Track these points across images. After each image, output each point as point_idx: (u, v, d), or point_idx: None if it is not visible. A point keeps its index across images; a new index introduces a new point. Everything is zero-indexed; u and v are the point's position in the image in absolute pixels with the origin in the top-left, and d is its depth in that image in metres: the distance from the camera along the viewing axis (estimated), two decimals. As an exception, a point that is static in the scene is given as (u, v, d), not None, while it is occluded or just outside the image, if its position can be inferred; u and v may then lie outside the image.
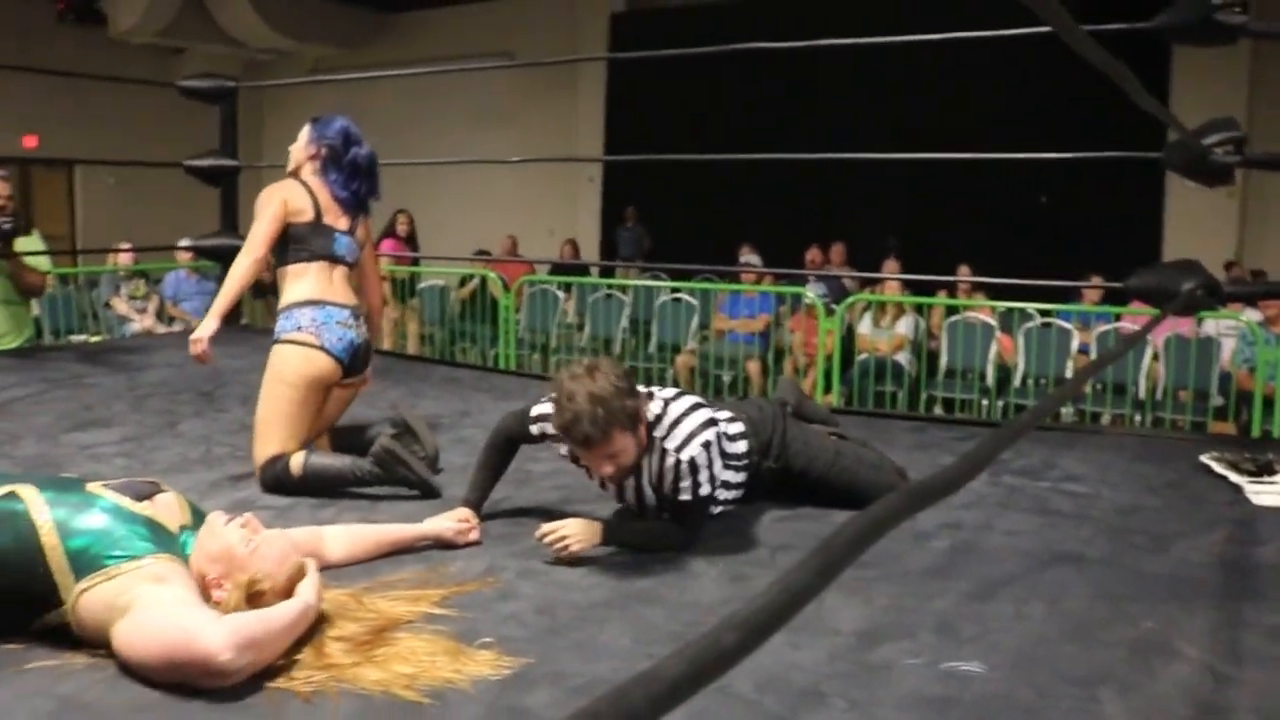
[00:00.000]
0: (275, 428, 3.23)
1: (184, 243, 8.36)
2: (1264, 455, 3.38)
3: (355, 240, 3.48)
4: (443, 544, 2.67)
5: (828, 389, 6.80)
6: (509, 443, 2.91)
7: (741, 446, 2.92)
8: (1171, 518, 3.00)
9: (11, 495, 2.05)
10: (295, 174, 3.46)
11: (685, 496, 2.66)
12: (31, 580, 1.98)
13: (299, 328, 3.28)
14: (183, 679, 1.85)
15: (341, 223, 3.44)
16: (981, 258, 8.76)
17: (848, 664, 2.05)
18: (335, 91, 15.36)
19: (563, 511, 2.85)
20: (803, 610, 0.89)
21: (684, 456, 2.63)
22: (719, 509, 2.90)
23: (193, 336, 3.30)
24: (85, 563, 1.98)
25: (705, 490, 2.68)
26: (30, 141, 14.88)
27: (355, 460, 3.19)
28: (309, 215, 3.38)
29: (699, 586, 2.47)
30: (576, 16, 13.85)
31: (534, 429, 2.82)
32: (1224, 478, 3.32)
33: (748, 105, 11.75)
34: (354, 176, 3.46)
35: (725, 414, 2.95)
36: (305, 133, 3.48)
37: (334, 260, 3.40)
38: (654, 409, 2.67)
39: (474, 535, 2.71)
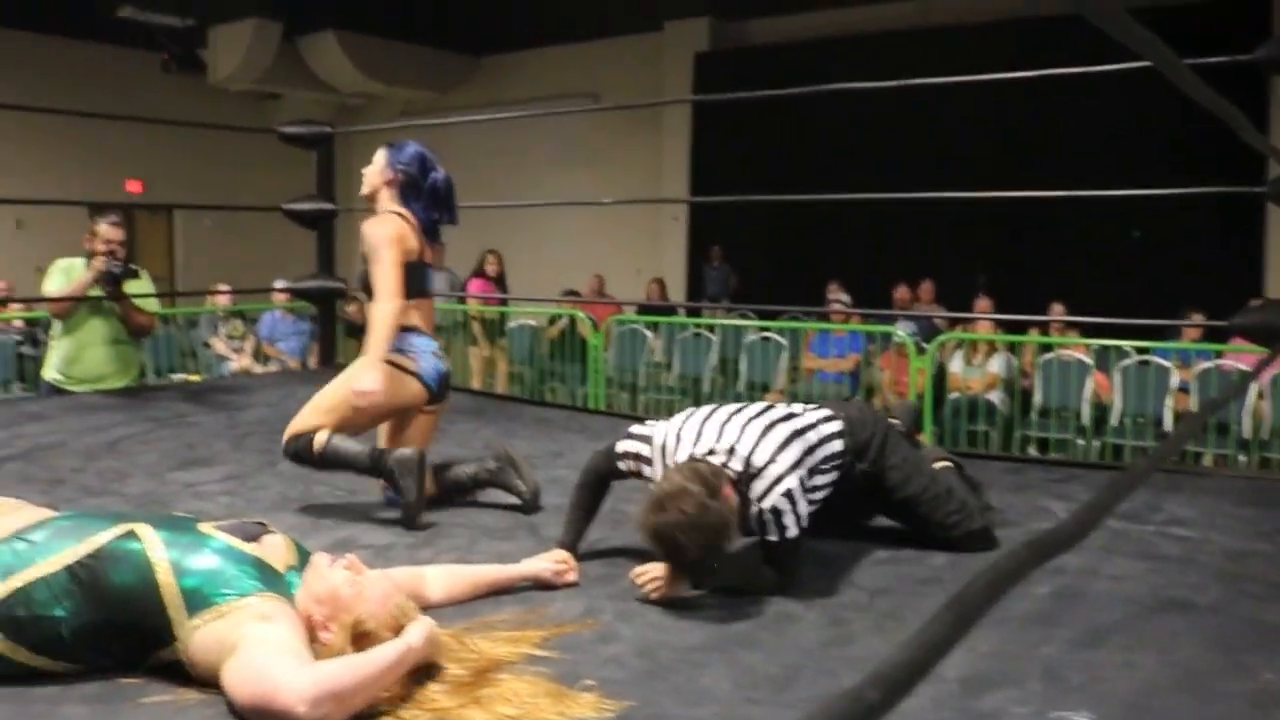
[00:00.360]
0: (326, 415, 3.33)
1: (280, 284, 8.57)
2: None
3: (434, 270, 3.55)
4: (541, 585, 2.68)
5: (919, 428, 6.71)
6: (600, 481, 2.93)
7: (836, 446, 2.90)
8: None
9: (130, 534, 2.11)
10: (372, 199, 3.51)
11: (773, 537, 2.65)
12: (148, 617, 2.04)
13: (400, 350, 3.36)
14: None
15: (432, 256, 3.52)
16: (1073, 294, 8.63)
17: (954, 712, 2.02)
18: (424, 134, 15.67)
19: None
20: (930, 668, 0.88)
21: (766, 505, 2.63)
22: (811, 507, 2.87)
23: (360, 389, 3.25)
24: (198, 601, 2.03)
25: (793, 533, 2.66)
26: (134, 187, 15.40)
27: (375, 448, 3.29)
28: (417, 254, 3.45)
29: (797, 630, 2.45)
30: (661, 56, 13.98)
31: (622, 465, 2.85)
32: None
33: (833, 142, 11.73)
34: (434, 204, 3.51)
35: (822, 413, 2.95)
36: (380, 157, 3.53)
37: (425, 295, 3.50)
38: (735, 467, 2.65)
39: (571, 576, 2.72)
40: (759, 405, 2.90)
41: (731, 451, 2.67)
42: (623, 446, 2.84)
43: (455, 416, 5.05)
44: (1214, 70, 3.39)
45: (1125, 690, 2.13)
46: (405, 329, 3.41)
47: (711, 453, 2.67)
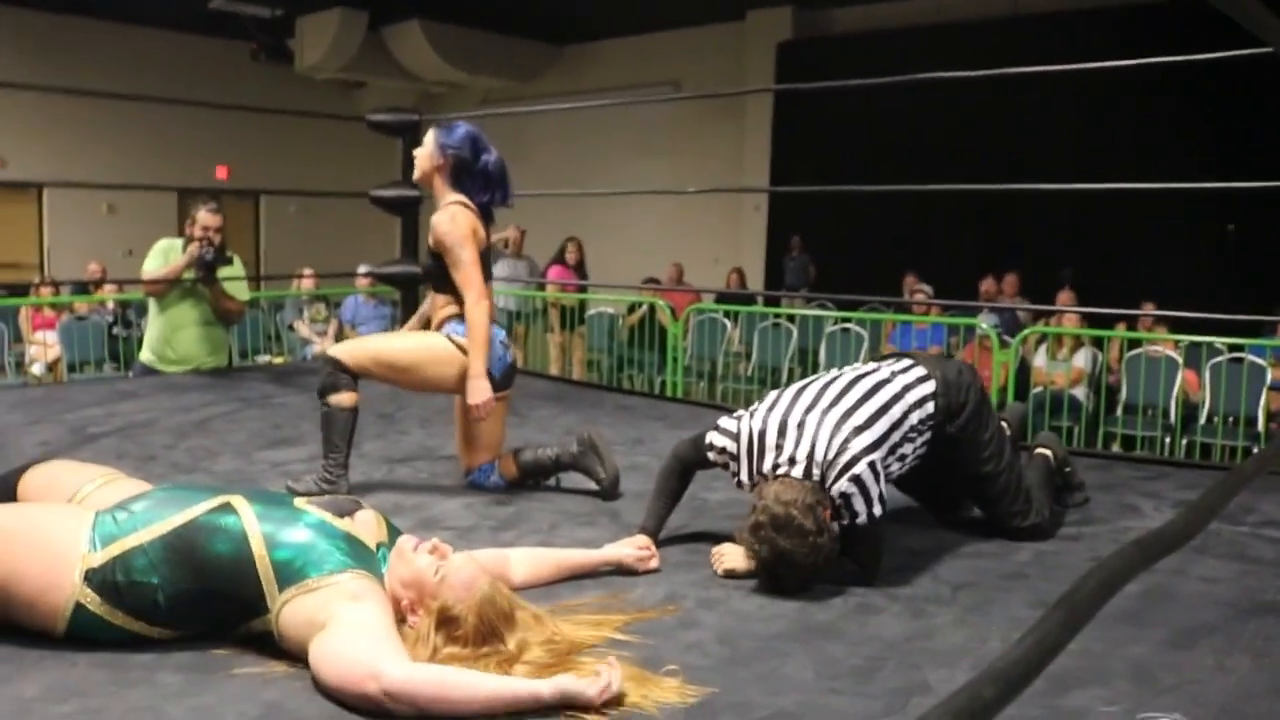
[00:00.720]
0: (374, 358, 3.35)
1: (363, 269, 8.69)
2: None
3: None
4: (622, 570, 2.70)
5: (1024, 432, 6.62)
6: (685, 469, 2.94)
7: (928, 409, 2.89)
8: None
9: (227, 506, 2.16)
10: (426, 183, 3.51)
11: (846, 521, 2.64)
12: (241, 587, 2.08)
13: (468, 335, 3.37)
14: (357, 705, 1.90)
15: (487, 236, 3.51)
16: (1162, 288, 8.43)
17: (1040, 710, 1.99)
18: (505, 123, 15.78)
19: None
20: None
21: (835, 492, 2.63)
22: (895, 474, 2.90)
23: (475, 403, 3.31)
24: (289, 574, 2.07)
25: (863, 519, 2.64)
26: (222, 173, 15.72)
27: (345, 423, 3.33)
28: (486, 242, 3.47)
29: (879, 622, 2.43)
30: (743, 45, 13.90)
31: (711, 455, 2.85)
32: None
33: (914, 132, 11.58)
34: (487, 186, 3.48)
35: (915, 374, 2.93)
36: (430, 138, 3.50)
37: (489, 280, 3.50)
38: (817, 474, 2.66)
39: (653, 563, 2.72)
40: (847, 378, 2.88)
41: (811, 455, 2.66)
42: (710, 439, 2.85)
43: (535, 402, 5.09)
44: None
45: (1217, 694, 2.08)
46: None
47: (793, 461, 2.66)
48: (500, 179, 3.50)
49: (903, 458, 2.86)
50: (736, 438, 2.79)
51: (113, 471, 2.49)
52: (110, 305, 9.01)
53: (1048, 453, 3.32)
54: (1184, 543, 1.21)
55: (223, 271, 5.26)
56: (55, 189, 14.60)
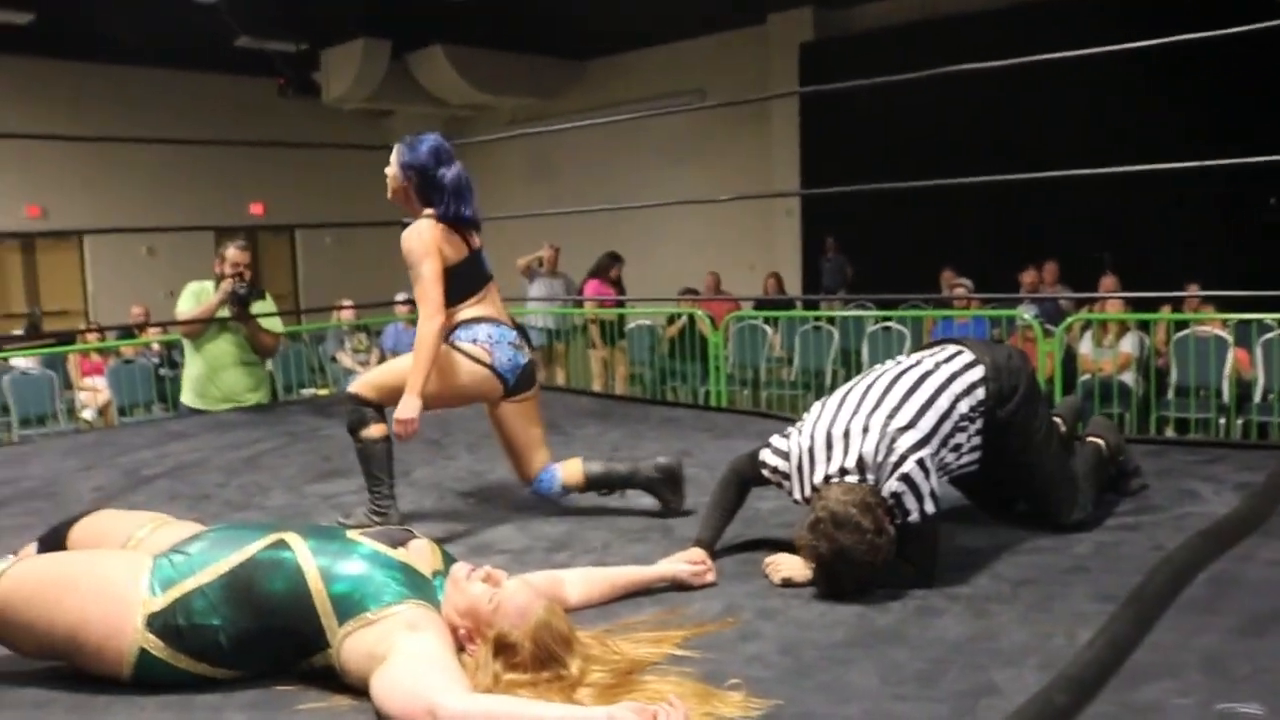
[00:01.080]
0: (388, 385, 3.31)
1: (401, 297, 8.74)
2: None
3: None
4: (678, 585, 2.68)
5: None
6: (742, 484, 2.94)
7: (979, 395, 2.87)
8: None
9: (281, 543, 2.17)
10: (397, 201, 3.47)
11: (898, 520, 2.62)
12: (301, 623, 2.09)
13: (475, 340, 3.34)
14: None
15: (477, 240, 3.47)
16: (1205, 267, 8.30)
17: (1112, 705, 1.94)
18: (534, 140, 15.85)
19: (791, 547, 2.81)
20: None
21: (886, 492, 2.62)
22: (959, 471, 2.89)
23: (399, 417, 3.19)
24: (347, 608, 2.08)
25: (915, 516, 2.62)
26: (257, 209, 15.90)
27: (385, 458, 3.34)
28: (464, 252, 3.39)
29: (942, 624, 2.40)
30: (766, 49, 13.88)
31: (766, 472, 2.85)
32: None
33: (942, 125, 11.50)
34: (460, 199, 3.38)
35: (963, 360, 2.92)
36: (394, 157, 3.46)
37: (488, 280, 3.47)
38: (870, 478, 2.65)
39: (709, 577, 2.71)
40: (888, 377, 2.86)
41: (861, 461, 2.65)
42: (764, 457, 2.85)
43: (581, 420, 5.10)
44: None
45: (1293, 679, 2.04)
46: (483, 319, 3.38)
47: (844, 471, 2.65)
48: (457, 192, 3.39)
49: (957, 448, 2.84)
50: (788, 456, 2.79)
51: (161, 516, 2.51)
52: (155, 347, 9.12)
53: (1099, 442, 3.27)
54: (1254, 529, 1.17)
55: (256, 306, 5.33)
56: (95, 235, 14.81)
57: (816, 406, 2.87)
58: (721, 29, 14.11)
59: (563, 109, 15.56)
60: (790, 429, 2.87)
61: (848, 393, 2.85)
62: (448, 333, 3.35)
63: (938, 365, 2.89)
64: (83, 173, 14.42)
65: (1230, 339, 6.95)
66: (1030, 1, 11.30)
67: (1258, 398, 6.82)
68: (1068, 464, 3.06)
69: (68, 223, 14.51)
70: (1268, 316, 6.79)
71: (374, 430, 3.34)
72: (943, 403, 2.78)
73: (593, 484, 3.48)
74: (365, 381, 3.42)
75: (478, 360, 3.33)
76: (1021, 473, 3.00)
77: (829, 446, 2.70)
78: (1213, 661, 2.11)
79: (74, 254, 15.22)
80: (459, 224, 3.40)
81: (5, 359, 8.90)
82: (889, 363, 3.00)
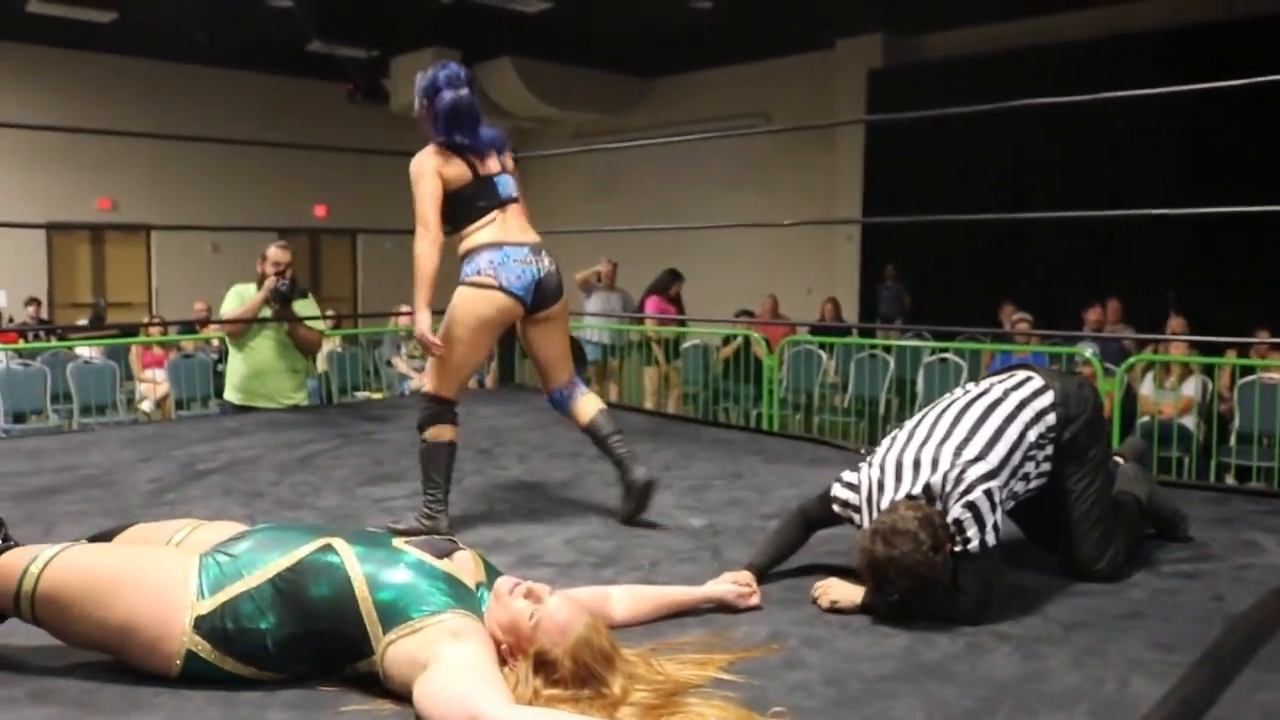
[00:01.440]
0: (440, 364, 3.46)
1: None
2: None
3: (511, 176, 3.56)
4: (724, 607, 2.66)
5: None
6: (806, 523, 2.92)
7: (1050, 420, 2.83)
8: None
9: (328, 548, 2.18)
10: (422, 130, 3.54)
11: (958, 548, 2.58)
12: (347, 628, 2.10)
13: (479, 271, 3.42)
14: None
15: (493, 165, 3.51)
16: (1276, 313, 8.14)
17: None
18: (597, 158, 15.91)
19: (842, 573, 2.79)
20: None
21: (949, 518, 2.59)
22: (1022, 494, 2.84)
23: (417, 335, 3.42)
24: (392, 615, 2.08)
25: (975, 545, 2.59)
26: (321, 212, 16.11)
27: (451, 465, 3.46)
28: (468, 176, 3.45)
29: (990, 662, 2.36)
30: (834, 74, 13.86)
31: (835, 508, 2.84)
32: None
33: (1010, 157, 11.43)
34: (454, 124, 3.44)
35: (1033, 386, 2.89)
36: (416, 85, 3.57)
37: (502, 204, 3.50)
38: (938, 506, 2.62)
39: (754, 600, 2.69)
40: (958, 406, 2.84)
41: (929, 489, 2.64)
42: (834, 492, 2.84)
43: (633, 437, 5.06)
44: None
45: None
46: (485, 246, 3.43)
47: (911, 499, 2.63)
48: (452, 117, 3.44)
49: (1025, 476, 2.81)
50: (858, 488, 2.78)
51: (195, 520, 2.50)
52: (215, 343, 9.26)
53: (1137, 494, 3.18)
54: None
55: (298, 306, 5.42)
56: (162, 231, 15.08)
57: (887, 440, 2.86)
58: (789, 53, 14.12)
59: (627, 126, 15.64)
60: (861, 463, 2.85)
61: (919, 423, 2.83)
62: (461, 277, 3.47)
63: (1007, 393, 2.86)
64: (153, 169, 14.71)
65: (1298, 387, 6.81)
66: (1104, 36, 11.20)
67: (1324, 448, 6.67)
68: (1109, 508, 2.98)
69: (136, 217, 14.79)
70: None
71: (442, 431, 3.45)
72: (1012, 432, 2.75)
73: (589, 432, 3.60)
74: (429, 378, 3.54)
75: (486, 286, 3.41)
76: (1064, 499, 2.92)
77: (898, 476, 2.69)
78: (1273, 718, 2.06)
79: (141, 248, 15.51)
80: (458, 150, 3.46)
81: (70, 348, 9.08)
82: (958, 391, 2.98)
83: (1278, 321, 7.76)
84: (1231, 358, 7.49)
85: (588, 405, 3.61)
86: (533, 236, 3.53)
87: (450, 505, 3.46)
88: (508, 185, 3.54)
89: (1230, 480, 6.61)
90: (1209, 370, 7.23)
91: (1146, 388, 7.21)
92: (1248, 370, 7.08)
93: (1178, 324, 8.08)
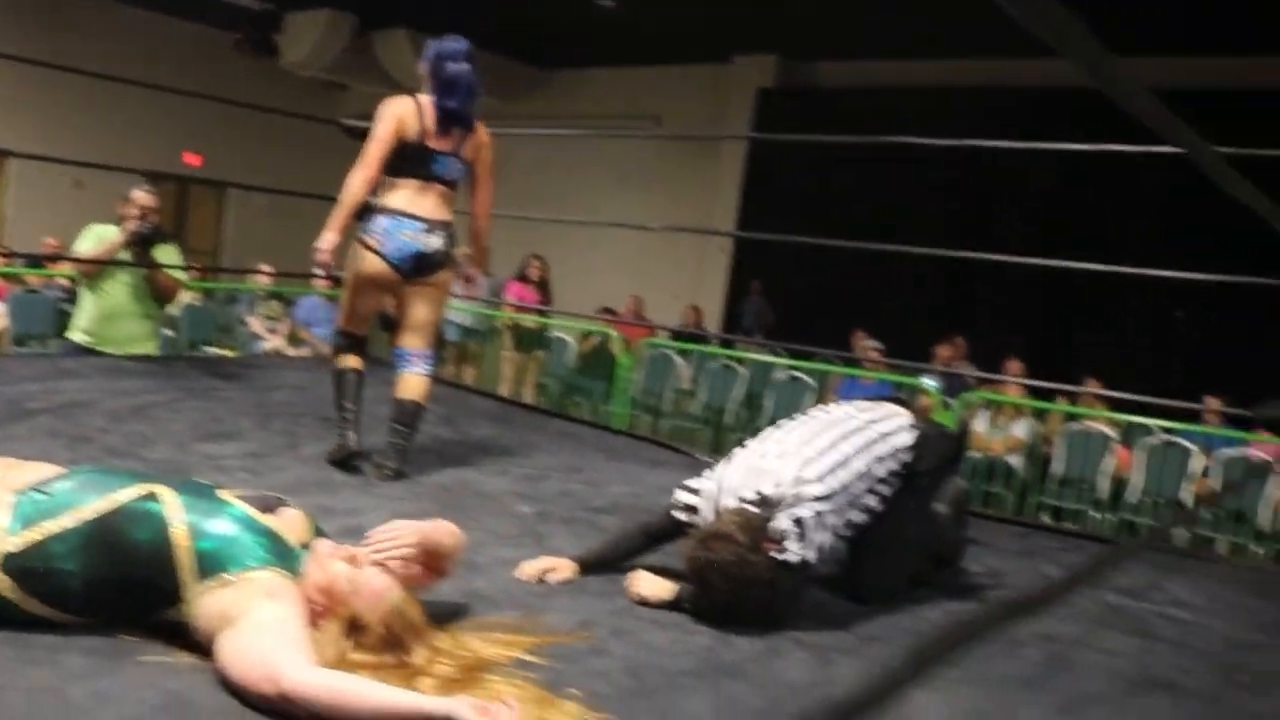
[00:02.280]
0: (342, 304, 4.01)
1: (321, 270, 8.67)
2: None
3: (460, 160, 3.85)
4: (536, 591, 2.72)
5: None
6: (647, 535, 2.97)
7: (904, 459, 2.94)
8: (1280, 658, 2.92)
9: (151, 495, 2.17)
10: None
11: (790, 558, 2.66)
12: (159, 576, 2.09)
13: (370, 231, 3.78)
14: (257, 704, 1.93)
15: (443, 144, 3.80)
16: (1108, 366, 8.59)
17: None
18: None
19: (663, 570, 2.87)
20: (885, 707, 0.93)
21: (773, 527, 2.67)
22: (860, 523, 2.90)
23: (317, 245, 3.75)
24: (210, 565, 2.09)
25: (810, 557, 2.69)
26: (192, 160, 15.64)
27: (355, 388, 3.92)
28: (414, 134, 3.74)
29: (784, 665, 2.48)
30: (726, 88, 14.03)
31: (677, 514, 2.89)
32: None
33: (883, 191, 11.75)
34: (449, 92, 3.77)
35: (899, 421, 2.99)
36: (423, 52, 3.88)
37: (429, 179, 3.80)
38: (766, 514, 2.71)
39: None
40: (816, 424, 2.93)
41: (765, 500, 2.71)
42: (677, 497, 2.91)
43: (479, 421, 5.12)
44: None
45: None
46: (387, 210, 3.77)
47: (746, 503, 2.73)
48: (446, 85, 3.79)
49: (867, 509, 2.89)
50: (699, 492, 2.86)
51: (12, 460, 2.39)
52: (64, 282, 8.94)
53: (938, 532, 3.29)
54: (1041, 608, 1.27)
55: (160, 253, 5.27)
56: (21, 160, 14.45)
57: (737, 449, 2.95)
58: (687, 61, 14.24)
59: (522, 112, 15.57)
60: (706, 470, 2.94)
61: (772, 435, 2.94)
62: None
63: (869, 423, 2.94)
64: (18, 95, 14.08)
65: (1116, 438, 7.21)
66: (997, 85, 11.51)
67: (1133, 498, 7.07)
68: (906, 547, 3.05)
69: (-7, 142, 14.16)
70: (1153, 422, 7.07)
71: (344, 360, 3.95)
72: (859, 462, 2.83)
73: (392, 405, 3.90)
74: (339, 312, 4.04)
75: (371, 249, 3.77)
76: (876, 523, 2.95)
77: (741, 484, 2.78)
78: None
79: (-4, 175, 14.85)
80: (443, 115, 3.77)
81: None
82: (821, 409, 3.08)
83: (1109, 374, 8.18)
84: (1062, 405, 7.88)
85: (406, 386, 3.89)
86: (440, 215, 3.83)
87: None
88: (448, 166, 3.85)
89: (1045, 519, 6.96)
90: (1040, 413, 7.60)
91: (981, 424, 7.54)
92: (1074, 418, 7.46)
93: (1016, 368, 8.46)
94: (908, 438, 2.96)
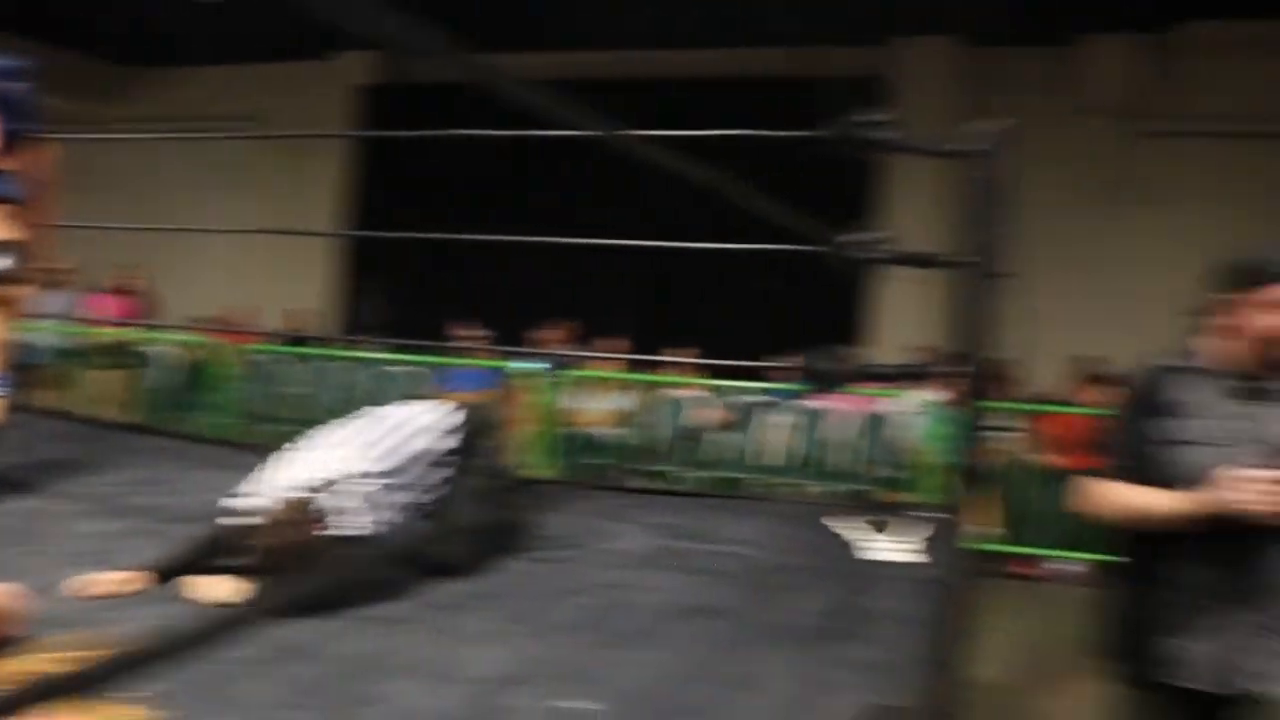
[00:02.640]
0: None
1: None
2: (882, 517, 3.77)
3: (23, 177, 3.57)
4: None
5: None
6: (215, 541, 2.97)
7: (457, 439, 3.12)
8: (801, 575, 3.33)
9: None
10: None
11: (347, 531, 2.81)
12: None
13: None
14: None
15: (6, 163, 3.51)
16: (706, 336, 9.25)
17: (477, 710, 2.26)
18: (70, 147, 14.66)
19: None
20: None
21: (325, 504, 2.81)
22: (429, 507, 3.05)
23: None
24: None
25: (366, 530, 2.85)
26: None
27: None
28: None
29: (347, 640, 2.57)
30: (325, 85, 13.82)
31: (228, 520, 2.94)
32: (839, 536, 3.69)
33: (499, 181, 12.00)
34: (12, 115, 3.50)
35: (446, 408, 3.20)
36: None
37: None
38: (309, 495, 2.84)
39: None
40: (360, 420, 3.10)
41: (316, 486, 2.84)
42: (224, 504, 2.96)
43: (52, 445, 4.82)
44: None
45: (633, 683, 2.43)
46: None
47: (293, 488, 2.84)
48: (9, 109, 3.51)
49: (433, 489, 3.06)
50: (255, 493, 2.92)
51: None
52: None
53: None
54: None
55: None
56: None
57: (286, 448, 3.05)
58: (284, 58, 13.88)
59: (111, 115, 14.63)
60: (259, 469, 3.02)
61: (327, 430, 3.06)
62: None
63: (420, 413, 3.14)
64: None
65: (701, 399, 7.81)
66: (594, 78, 11.92)
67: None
68: (469, 522, 3.25)
69: None
70: (730, 384, 7.71)
71: None
72: (413, 446, 3.02)
73: None
74: None
75: None
76: (437, 500, 3.12)
77: (293, 474, 2.90)
78: (575, 670, 2.48)
79: None
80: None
81: None
82: (364, 410, 3.22)
83: (707, 343, 8.78)
84: (649, 375, 8.40)
85: None
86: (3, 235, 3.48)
87: None
88: (8, 185, 3.50)
89: (643, 483, 7.46)
90: (633, 386, 8.11)
91: (576, 400, 7.95)
92: (659, 385, 8.02)
93: (616, 345, 8.93)
94: (459, 417, 3.18)
